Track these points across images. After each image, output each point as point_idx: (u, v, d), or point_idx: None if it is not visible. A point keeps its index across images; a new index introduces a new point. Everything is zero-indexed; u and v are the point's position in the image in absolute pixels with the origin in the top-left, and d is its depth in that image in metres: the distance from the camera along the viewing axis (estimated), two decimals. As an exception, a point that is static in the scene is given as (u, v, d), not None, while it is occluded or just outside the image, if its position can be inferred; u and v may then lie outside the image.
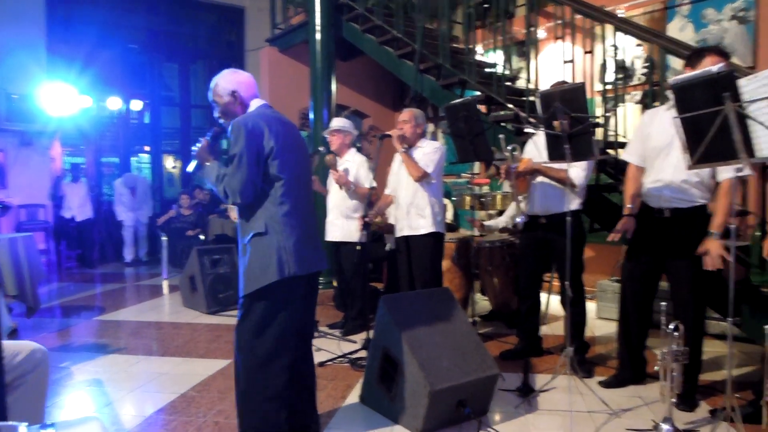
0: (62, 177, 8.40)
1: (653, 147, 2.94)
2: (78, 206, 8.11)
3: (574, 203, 3.39)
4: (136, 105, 9.37)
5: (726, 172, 2.70)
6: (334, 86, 6.04)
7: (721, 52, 2.81)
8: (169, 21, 9.51)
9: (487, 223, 5.09)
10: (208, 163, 2.41)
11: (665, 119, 2.88)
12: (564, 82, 3.59)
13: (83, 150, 9.58)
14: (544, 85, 3.70)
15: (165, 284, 6.84)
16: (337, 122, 4.47)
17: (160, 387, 3.31)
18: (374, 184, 4.16)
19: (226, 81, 2.43)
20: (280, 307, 2.30)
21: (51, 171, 8.11)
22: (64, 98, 7.60)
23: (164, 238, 7.36)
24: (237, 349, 2.33)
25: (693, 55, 2.86)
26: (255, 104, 2.43)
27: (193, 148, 2.45)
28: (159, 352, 4.04)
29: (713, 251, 2.67)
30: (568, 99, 2.78)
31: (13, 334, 4.43)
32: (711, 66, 2.71)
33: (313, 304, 2.58)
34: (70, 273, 7.83)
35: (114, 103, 9.12)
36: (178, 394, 3.18)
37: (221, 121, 2.48)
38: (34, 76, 7.41)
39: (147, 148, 10.32)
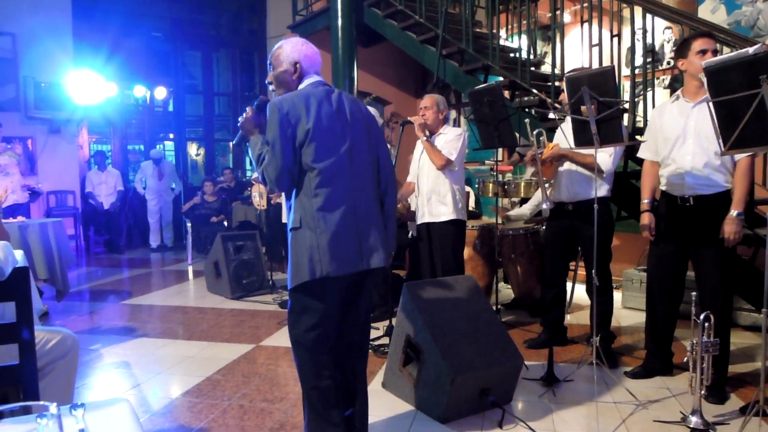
0: (90, 165, 8.57)
1: (666, 138, 2.93)
2: (105, 194, 8.27)
3: (602, 190, 3.32)
4: (161, 93, 9.47)
5: (735, 152, 2.64)
6: (355, 73, 6.02)
7: (706, 33, 2.85)
8: (192, 9, 9.56)
9: (512, 213, 5.03)
10: (252, 137, 2.19)
11: (674, 110, 2.92)
12: (584, 68, 3.52)
13: (109, 137, 9.74)
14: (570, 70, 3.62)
15: (190, 270, 6.95)
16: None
17: (186, 370, 3.37)
18: None
19: (293, 48, 2.23)
20: (312, 309, 2.11)
21: (78, 158, 8.26)
22: (91, 86, 7.70)
23: (189, 225, 7.46)
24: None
25: (680, 46, 2.89)
26: (307, 81, 2.22)
27: (240, 118, 2.24)
28: (185, 336, 4.10)
29: (732, 228, 2.68)
30: (597, 83, 2.72)
31: (44, 317, 4.55)
32: (701, 48, 2.74)
33: (361, 310, 2.29)
34: (98, 258, 8.00)
35: (139, 91, 9.23)
36: (204, 378, 3.23)
37: (271, 87, 2.29)
38: (61, 65, 7.52)
39: (171, 136, 10.44)
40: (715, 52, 2.74)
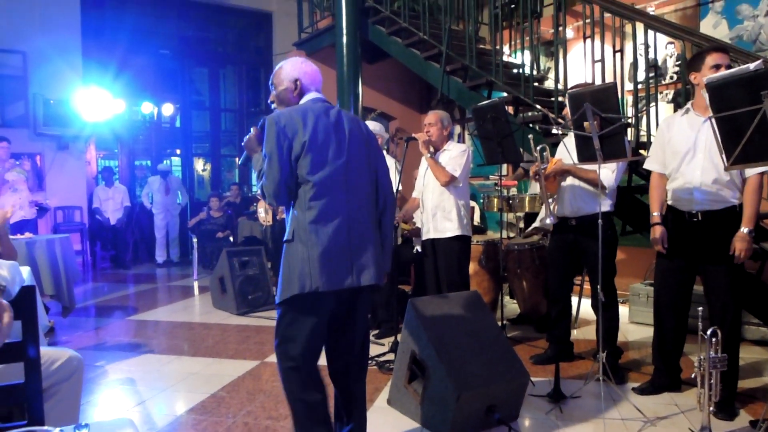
0: (97, 180, 8.63)
1: (675, 152, 2.90)
2: (112, 210, 8.33)
3: (606, 205, 3.32)
4: (168, 109, 9.57)
5: (754, 169, 2.63)
6: (360, 89, 6.06)
7: (721, 48, 2.83)
8: (199, 27, 9.69)
9: (538, 223, 4.99)
10: (255, 155, 2.22)
11: (683, 124, 2.89)
12: (586, 84, 3.54)
13: (117, 153, 9.83)
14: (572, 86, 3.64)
15: (195, 285, 6.96)
16: (370, 126, 4.47)
17: (191, 387, 3.36)
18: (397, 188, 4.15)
19: (293, 67, 2.27)
20: (301, 323, 2.10)
21: (86, 174, 8.33)
22: (99, 103, 7.79)
23: (195, 240, 7.49)
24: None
25: (694, 58, 2.89)
26: (307, 98, 2.24)
27: (246, 138, 2.29)
28: (190, 352, 4.10)
29: (742, 245, 2.66)
30: (599, 99, 2.74)
31: (50, 333, 4.56)
32: (715, 62, 2.73)
33: (358, 328, 2.27)
34: (104, 273, 8.02)
35: (146, 108, 9.33)
36: (209, 395, 3.22)
37: (273, 107, 2.33)
38: (70, 82, 7.62)
39: (178, 151, 10.53)
40: (728, 67, 2.71)
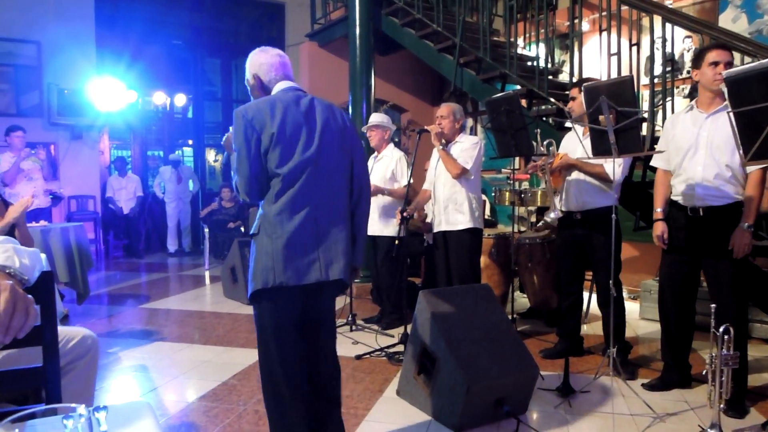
0: (110, 170, 8.71)
1: (678, 148, 2.92)
2: (125, 199, 8.40)
3: (611, 199, 3.31)
4: (180, 100, 9.61)
5: (756, 163, 2.61)
6: (373, 81, 6.05)
7: (720, 45, 2.87)
8: (211, 17, 9.70)
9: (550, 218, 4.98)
10: (233, 155, 2.15)
11: (687, 121, 2.91)
12: (589, 79, 3.52)
13: (130, 143, 9.90)
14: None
15: (207, 275, 7.02)
16: (376, 118, 4.48)
17: (203, 374, 3.40)
18: (405, 182, 4.15)
19: (250, 62, 2.21)
20: (269, 317, 2.05)
21: (100, 164, 8.40)
22: (112, 93, 7.84)
23: (206, 230, 7.54)
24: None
25: (696, 56, 2.89)
26: (278, 87, 2.15)
27: (224, 137, 2.25)
28: (201, 340, 4.14)
29: (740, 240, 2.67)
30: (615, 93, 2.71)
31: (65, 320, 4.62)
32: (713, 59, 2.75)
33: (325, 318, 2.21)
34: (117, 262, 8.11)
35: (159, 98, 9.38)
36: (220, 382, 3.25)
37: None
38: (84, 72, 7.67)
39: (190, 142, 10.58)
40: (729, 64, 2.72)
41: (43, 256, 3.30)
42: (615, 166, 3.23)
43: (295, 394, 2.09)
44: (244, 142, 1.98)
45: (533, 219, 5.74)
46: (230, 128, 2.17)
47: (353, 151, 2.20)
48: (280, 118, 2.01)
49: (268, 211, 2.01)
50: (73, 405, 0.67)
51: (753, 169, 2.69)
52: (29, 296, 1.05)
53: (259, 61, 2.18)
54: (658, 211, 3.02)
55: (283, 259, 1.97)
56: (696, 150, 2.84)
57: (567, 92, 4.33)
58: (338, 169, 2.13)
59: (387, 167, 4.34)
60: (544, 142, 3.46)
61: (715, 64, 2.74)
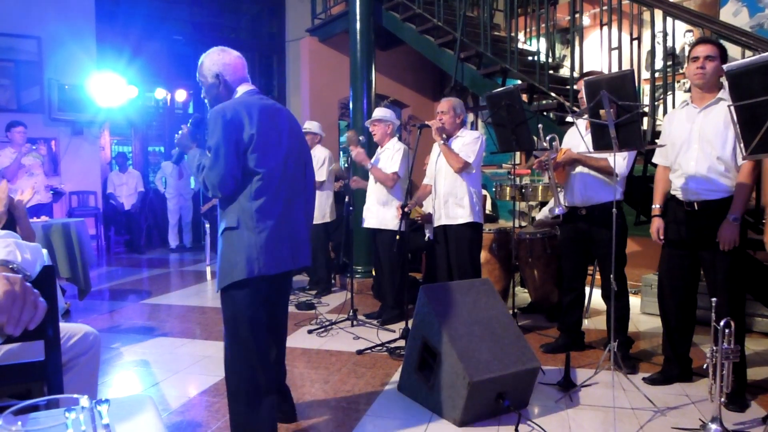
0: (111, 166, 8.70)
1: (673, 143, 2.95)
2: (126, 195, 8.40)
3: (616, 194, 3.30)
4: (181, 95, 9.60)
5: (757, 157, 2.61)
6: (373, 76, 6.04)
7: (705, 40, 2.89)
8: (212, 13, 9.68)
9: (539, 216, 4.99)
10: (191, 151, 2.29)
11: (681, 116, 2.94)
12: (591, 72, 3.51)
13: (130, 139, 9.90)
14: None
15: (208, 270, 7.02)
16: (379, 112, 4.48)
17: (204, 369, 3.41)
18: (395, 170, 4.19)
19: (211, 61, 2.27)
20: (247, 306, 2.19)
21: (100, 159, 8.40)
22: (113, 89, 7.83)
23: (207, 226, 7.55)
24: (226, 343, 2.30)
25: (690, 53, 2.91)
26: (242, 89, 2.27)
27: (176, 135, 2.34)
28: (203, 336, 4.15)
29: (726, 233, 2.68)
30: (616, 87, 2.71)
31: (66, 315, 4.63)
32: (694, 54, 2.79)
33: (285, 304, 2.55)
34: (119, 258, 8.12)
35: (159, 94, 9.37)
36: (221, 377, 3.24)
37: (204, 99, 2.36)
38: (84, 68, 7.66)
39: (190, 138, 10.56)
40: (710, 59, 2.74)
41: (44, 251, 3.31)
42: (620, 160, 3.24)
43: (270, 386, 2.27)
44: (223, 141, 2.09)
45: (534, 214, 5.74)
46: (183, 127, 2.33)
47: (307, 154, 2.48)
48: (257, 119, 2.15)
49: (248, 207, 2.15)
50: (75, 396, 0.67)
51: (745, 160, 2.68)
52: (35, 290, 1.06)
53: (223, 61, 2.28)
54: (656, 207, 3.04)
55: (266, 251, 2.15)
56: (689, 145, 2.86)
57: (568, 87, 4.33)
58: (300, 168, 2.38)
59: (390, 158, 4.33)
60: (547, 137, 3.45)
61: (695, 59, 2.78)
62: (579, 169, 3.42)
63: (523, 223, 5.98)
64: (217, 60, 2.27)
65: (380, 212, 4.34)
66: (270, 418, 2.25)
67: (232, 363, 2.25)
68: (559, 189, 3.50)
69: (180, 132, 2.33)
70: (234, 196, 2.16)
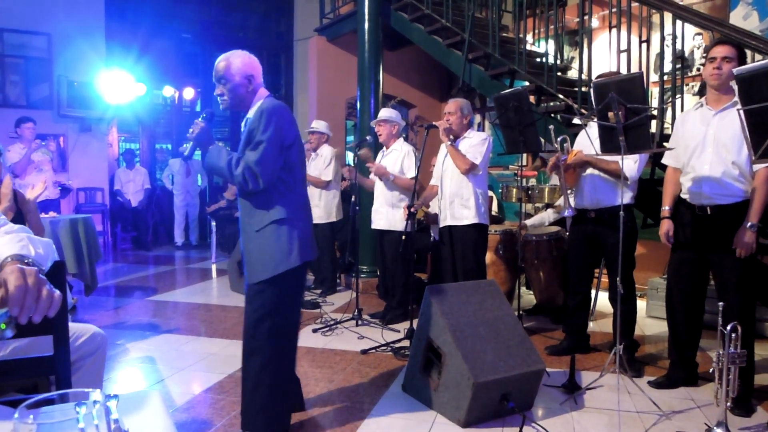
0: (119, 163, 8.75)
1: (686, 146, 2.92)
2: (133, 192, 8.44)
3: (626, 197, 3.29)
4: (189, 93, 9.64)
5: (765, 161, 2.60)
6: (381, 76, 6.04)
7: (724, 41, 2.86)
8: (220, 12, 9.71)
9: (530, 222, 4.99)
10: (212, 147, 2.33)
11: (696, 118, 2.90)
12: (611, 73, 3.50)
13: (138, 136, 9.94)
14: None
15: (213, 268, 7.05)
16: (385, 113, 4.48)
17: (209, 367, 3.42)
18: (412, 175, 4.17)
19: (243, 62, 2.34)
20: (297, 291, 2.42)
21: (108, 156, 8.44)
22: (122, 86, 7.87)
23: (213, 224, 7.57)
24: (254, 336, 2.33)
25: (705, 54, 2.92)
26: (264, 93, 2.39)
27: (190, 130, 2.35)
28: (208, 333, 4.17)
29: (743, 240, 2.66)
30: (625, 89, 2.70)
31: (72, 311, 4.66)
32: (711, 54, 2.76)
33: None
34: (125, 254, 8.16)
35: (168, 91, 9.41)
36: (226, 375, 3.27)
37: (223, 98, 2.37)
38: (93, 65, 7.70)
39: (198, 136, 10.59)
40: (728, 60, 2.71)
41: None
42: (631, 164, 3.22)
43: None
44: (276, 136, 2.24)
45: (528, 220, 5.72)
46: (197, 122, 2.34)
47: None
48: (294, 122, 2.36)
49: (293, 199, 2.33)
50: (87, 390, 0.68)
51: (760, 166, 2.67)
52: (43, 277, 1.07)
53: (253, 65, 2.39)
54: (666, 209, 3.01)
55: (309, 240, 2.39)
56: (704, 148, 2.82)
57: (576, 89, 4.32)
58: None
59: (396, 161, 4.35)
60: (558, 139, 3.44)
61: (712, 59, 2.76)
62: (589, 171, 3.41)
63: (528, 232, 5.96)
64: (249, 63, 2.37)
65: (389, 213, 4.35)
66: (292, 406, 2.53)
67: (270, 360, 2.33)
68: (569, 191, 3.49)
69: (195, 127, 2.34)
70: (275, 189, 2.29)
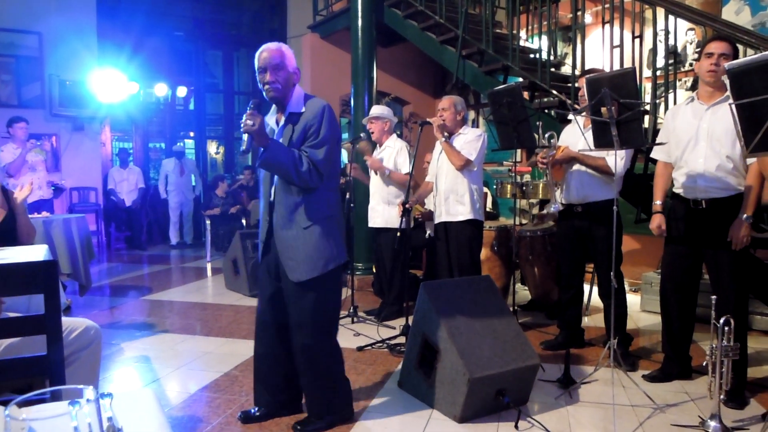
0: (112, 162, 8.71)
1: (678, 140, 2.92)
2: (127, 191, 8.41)
3: (612, 192, 3.30)
4: (182, 91, 9.60)
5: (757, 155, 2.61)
6: (375, 73, 6.03)
7: (721, 38, 2.88)
8: (213, 9, 9.68)
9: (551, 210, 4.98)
10: (271, 141, 2.18)
11: (687, 113, 2.91)
12: (593, 70, 3.51)
13: (131, 135, 9.90)
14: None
15: (208, 267, 7.03)
16: (376, 110, 4.48)
17: (205, 366, 3.41)
18: (408, 170, 4.16)
19: (291, 55, 2.37)
20: (336, 287, 2.49)
21: (101, 155, 8.40)
22: (114, 85, 7.83)
23: (208, 222, 7.55)
24: (311, 333, 2.41)
25: (699, 50, 2.90)
26: (301, 89, 2.43)
27: (246, 122, 2.12)
28: (203, 332, 4.16)
29: (739, 232, 2.68)
30: (618, 84, 2.70)
31: (67, 311, 4.64)
32: (707, 51, 2.77)
33: None
34: (119, 254, 8.13)
35: (161, 90, 9.37)
36: (222, 373, 3.27)
37: (275, 86, 2.27)
38: (85, 64, 7.66)
39: (192, 134, 10.57)
40: (725, 56, 2.72)
41: (45, 246, 3.32)
42: (617, 159, 3.23)
43: None
44: (333, 135, 2.30)
45: (534, 212, 5.74)
46: (250, 111, 2.14)
47: None
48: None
49: (333, 199, 2.39)
50: (80, 387, 0.68)
51: (753, 160, 2.69)
52: None
53: (294, 58, 2.41)
54: (657, 203, 3.02)
55: (343, 239, 2.47)
56: (697, 142, 2.84)
57: (569, 84, 4.33)
58: None
59: (389, 158, 4.34)
60: (546, 135, 3.46)
61: (709, 55, 2.77)
62: (576, 166, 3.42)
63: (524, 221, 5.98)
64: (292, 56, 2.38)
65: (386, 211, 4.36)
66: None
67: (333, 342, 2.52)
68: (556, 186, 3.51)
69: (254, 118, 2.11)
70: (325, 186, 2.34)
